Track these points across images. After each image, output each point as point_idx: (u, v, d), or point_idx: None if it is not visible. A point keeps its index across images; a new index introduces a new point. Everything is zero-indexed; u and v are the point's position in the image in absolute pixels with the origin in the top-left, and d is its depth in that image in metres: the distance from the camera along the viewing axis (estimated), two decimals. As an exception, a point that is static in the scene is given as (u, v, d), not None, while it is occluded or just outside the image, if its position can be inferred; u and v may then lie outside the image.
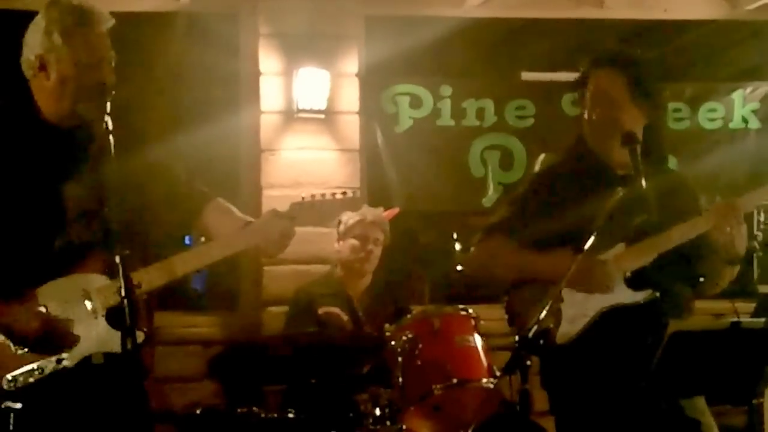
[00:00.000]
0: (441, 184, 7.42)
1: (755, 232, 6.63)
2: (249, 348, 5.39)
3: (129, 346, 3.37)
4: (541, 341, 3.76)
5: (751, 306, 6.93)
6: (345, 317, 6.08)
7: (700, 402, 4.17)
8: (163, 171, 4.05)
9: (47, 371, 3.71)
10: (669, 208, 4.19)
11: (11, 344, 3.70)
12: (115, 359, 3.65)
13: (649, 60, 4.40)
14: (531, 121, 7.50)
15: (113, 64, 3.83)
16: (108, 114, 3.64)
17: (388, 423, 5.13)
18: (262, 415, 5.09)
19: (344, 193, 4.03)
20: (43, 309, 3.72)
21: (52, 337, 3.72)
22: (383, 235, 6.30)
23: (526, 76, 7.67)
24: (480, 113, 7.45)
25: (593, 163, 4.30)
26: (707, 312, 5.06)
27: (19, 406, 3.66)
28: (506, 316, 4.44)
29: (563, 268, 3.85)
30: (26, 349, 3.70)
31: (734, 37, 7.89)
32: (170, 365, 6.79)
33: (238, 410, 5.09)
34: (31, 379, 3.69)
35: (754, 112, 7.69)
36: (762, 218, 6.80)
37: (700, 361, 3.74)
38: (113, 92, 3.75)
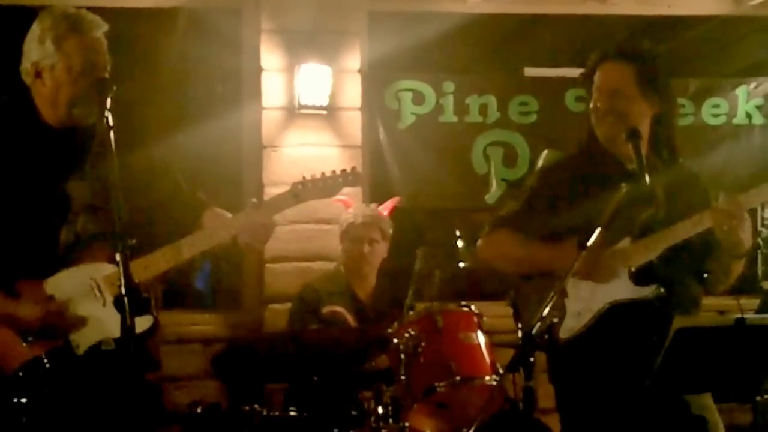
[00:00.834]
0: (444, 180, 7.39)
1: (759, 228, 6.61)
2: (251, 346, 5.36)
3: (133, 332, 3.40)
4: (546, 336, 3.75)
5: (756, 302, 6.91)
6: (349, 317, 6.07)
7: (707, 399, 4.16)
8: (164, 176, 4.09)
9: (57, 359, 3.76)
10: (677, 203, 4.18)
11: (20, 335, 3.76)
12: (122, 346, 3.64)
13: (658, 53, 4.38)
14: (534, 117, 7.47)
15: (108, 69, 3.86)
16: (109, 110, 3.64)
17: (391, 421, 5.11)
18: (265, 414, 5.07)
19: (344, 170, 4.13)
20: (52, 298, 3.79)
21: (57, 321, 3.78)
22: (380, 233, 6.27)
23: (530, 72, 7.64)
24: (483, 109, 7.42)
25: (602, 157, 4.29)
26: (712, 308, 5.04)
27: (28, 398, 3.71)
28: (511, 312, 4.43)
29: (569, 260, 3.85)
30: (34, 339, 3.74)
31: (738, 33, 7.88)
32: (172, 364, 6.76)
33: (241, 409, 5.07)
34: (41, 369, 3.73)
35: (758, 107, 7.66)
36: (766, 214, 6.78)
37: (704, 357, 3.72)
38: (114, 87, 3.75)
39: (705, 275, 4.26)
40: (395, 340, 5.26)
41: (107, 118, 3.62)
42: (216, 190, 6.72)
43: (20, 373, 3.71)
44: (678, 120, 4.45)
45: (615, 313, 4.13)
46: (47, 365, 3.74)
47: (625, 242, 4.15)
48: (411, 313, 5.52)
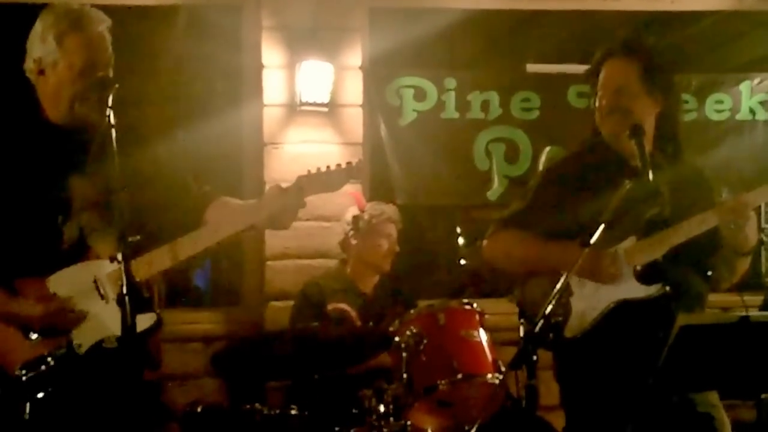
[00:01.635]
0: (445, 177, 7.36)
1: (763, 225, 6.57)
2: (252, 344, 5.34)
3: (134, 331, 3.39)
4: (551, 335, 3.72)
5: (759, 299, 6.89)
6: (354, 314, 6.05)
7: (713, 396, 4.15)
8: (169, 171, 4.06)
9: (60, 357, 3.74)
10: (682, 201, 4.16)
11: (23, 333, 3.75)
12: (124, 345, 3.62)
13: (663, 48, 4.35)
14: (536, 113, 7.43)
15: (111, 64, 3.84)
16: (110, 108, 3.64)
17: (392, 419, 5.09)
18: (265, 412, 5.05)
19: (348, 163, 4.10)
20: (54, 295, 3.78)
21: (59, 319, 3.77)
22: (395, 227, 6.30)
23: (532, 68, 7.59)
24: (485, 106, 7.39)
25: (607, 154, 4.27)
26: (716, 305, 5.01)
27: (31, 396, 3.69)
28: (515, 310, 4.41)
29: (573, 258, 3.82)
30: (38, 336, 3.75)
31: (741, 28, 7.84)
32: (172, 362, 6.74)
33: (241, 407, 5.05)
34: (43, 367, 3.72)
35: (761, 103, 7.63)
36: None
37: (708, 355, 3.69)
38: (115, 85, 3.75)
39: (709, 273, 4.23)
40: (397, 338, 5.24)
41: (109, 116, 3.62)
42: (217, 188, 6.72)
43: (23, 371, 3.69)
44: (682, 116, 4.41)
45: (620, 312, 4.11)
46: (51, 363, 3.72)
47: (630, 240, 4.13)
48: (413, 310, 5.50)
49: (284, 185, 3.99)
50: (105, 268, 3.82)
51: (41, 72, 3.90)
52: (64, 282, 3.82)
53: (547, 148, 7.32)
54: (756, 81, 7.61)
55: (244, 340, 5.78)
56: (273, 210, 3.95)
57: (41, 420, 3.71)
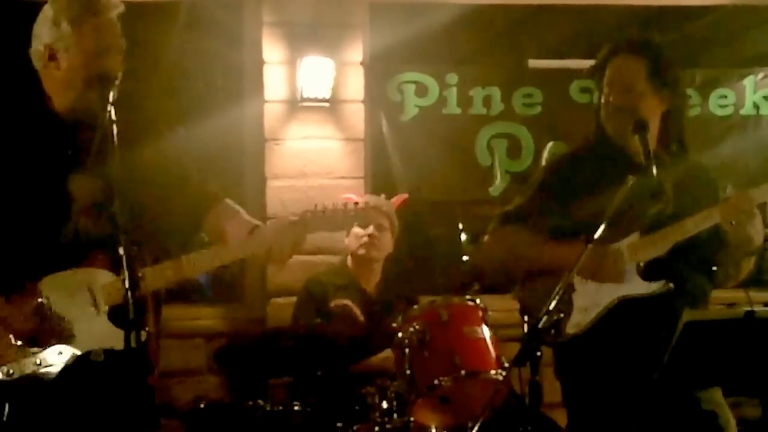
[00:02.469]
0: (447, 173, 7.34)
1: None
2: (254, 341, 5.34)
3: (133, 344, 3.32)
4: (552, 331, 3.71)
5: (765, 295, 6.85)
6: (357, 310, 6.03)
7: (717, 394, 4.12)
8: (170, 167, 4.02)
9: (44, 366, 3.67)
10: (686, 198, 4.14)
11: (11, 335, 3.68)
12: (117, 357, 3.60)
13: (669, 46, 4.33)
14: (539, 109, 7.41)
15: (123, 51, 3.82)
16: (112, 104, 3.60)
17: (395, 415, 5.09)
18: (268, 409, 5.04)
19: (356, 203, 4.01)
20: (44, 300, 3.69)
21: (46, 332, 3.69)
22: (388, 221, 6.24)
23: (534, 63, 7.55)
24: (487, 101, 7.37)
25: (611, 150, 4.25)
26: (720, 301, 4.98)
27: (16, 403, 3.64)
28: (518, 307, 4.39)
29: (578, 257, 3.80)
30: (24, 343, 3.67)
31: (745, 23, 7.79)
32: (173, 358, 6.72)
33: (244, 404, 5.04)
34: (28, 371, 3.65)
35: (765, 98, 7.59)
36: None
37: (713, 351, 3.67)
38: (117, 81, 3.73)
39: (714, 270, 4.21)
40: (400, 334, 5.23)
41: (110, 112, 3.58)
42: (219, 184, 6.69)
43: (10, 371, 3.65)
44: (688, 114, 4.40)
45: (623, 309, 4.09)
46: (36, 369, 3.67)
47: (633, 237, 4.11)
48: (415, 307, 5.48)
49: (291, 218, 3.93)
50: (99, 278, 3.75)
51: (52, 57, 3.82)
52: (57, 287, 3.73)
53: (550, 144, 7.32)
54: (760, 76, 7.58)
55: (247, 337, 5.77)
56: (274, 243, 3.91)
57: (19, 426, 3.66)
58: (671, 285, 4.07)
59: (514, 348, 3.74)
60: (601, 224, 3.79)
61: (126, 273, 3.33)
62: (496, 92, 7.37)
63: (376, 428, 5.09)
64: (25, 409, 3.66)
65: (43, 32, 3.83)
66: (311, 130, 7.08)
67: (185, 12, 7.22)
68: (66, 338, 3.71)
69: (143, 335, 3.49)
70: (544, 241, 4.24)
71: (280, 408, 5.11)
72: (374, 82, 7.21)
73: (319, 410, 5.11)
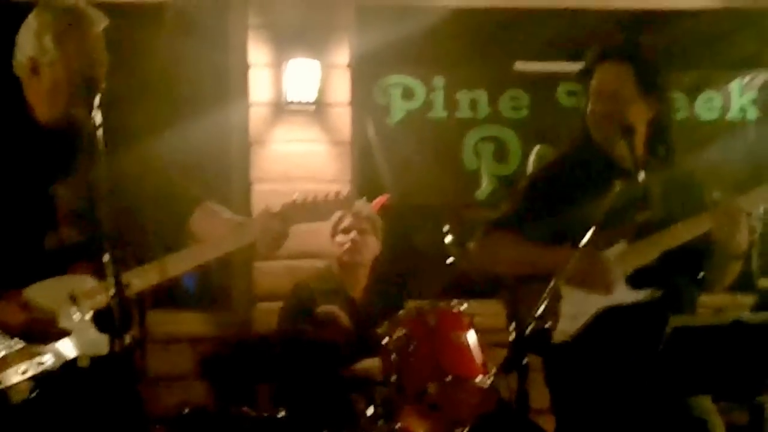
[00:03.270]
0: (434, 176, 7.35)
1: (753, 224, 6.54)
2: (240, 347, 5.32)
3: (117, 348, 3.35)
4: (540, 340, 3.69)
5: (751, 299, 6.86)
6: (343, 316, 6.00)
7: (707, 401, 4.10)
8: (155, 171, 4.01)
9: (30, 373, 3.64)
10: (674, 204, 4.12)
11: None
12: (102, 363, 3.62)
13: (655, 49, 4.31)
14: (525, 112, 7.43)
15: (106, 65, 3.80)
16: (97, 108, 3.57)
17: (382, 422, 5.06)
18: (253, 415, 5.01)
19: (337, 193, 3.98)
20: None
21: (41, 330, 3.67)
22: (370, 224, 6.21)
23: (520, 66, 7.56)
24: (473, 104, 7.38)
25: (598, 156, 4.23)
26: (708, 306, 4.97)
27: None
28: (505, 312, 4.38)
29: (564, 261, 3.80)
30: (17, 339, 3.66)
31: (732, 26, 7.80)
32: (159, 364, 6.68)
33: (229, 410, 5.01)
34: (15, 380, 3.62)
35: (752, 101, 7.63)
36: (761, 210, 6.70)
37: (701, 357, 3.65)
38: (102, 86, 3.70)
39: (701, 276, 4.20)
40: (386, 340, 5.21)
41: (94, 118, 3.55)
42: (204, 187, 6.66)
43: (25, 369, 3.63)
44: (675, 120, 4.39)
45: (610, 316, 4.07)
46: (22, 377, 3.65)
47: (621, 244, 4.08)
48: (401, 312, 5.46)
49: (273, 210, 3.91)
50: (83, 284, 3.73)
51: (35, 71, 3.79)
52: (40, 295, 3.71)
53: (537, 147, 7.30)
54: (747, 79, 7.61)
55: (233, 344, 5.75)
56: (258, 235, 3.88)
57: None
58: (658, 292, 4.05)
59: (501, 354, 3.72)
60: (587, 230, 3.77)
61: (112, 281, 3.33)
62: (482, 95, 7.38)
63: (363, 435, 5.08)
64: (10, 418, 3.63)
65: (26, 44, 3.81)
66: (297, 133, 7.06)
67: (170, 15, 7.19)
68: (57, 336, 3.69)
69: (127, 339, 3.48)
70: (530, 248, 4.22)
71: (266, 415, 5.09)
72: (360, 85, 7.20)
73: (306, 417, 5.09)
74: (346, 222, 6.13)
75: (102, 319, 3.60)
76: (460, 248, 8.00)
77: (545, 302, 3.66)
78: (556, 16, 7.63)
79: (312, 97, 6.96)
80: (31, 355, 3.66)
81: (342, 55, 7.11)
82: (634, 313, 4.06)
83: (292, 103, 6.97)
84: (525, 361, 3.63)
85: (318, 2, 7.07)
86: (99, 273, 3.58)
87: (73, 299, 3.72)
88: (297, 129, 7.05)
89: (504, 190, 7.18)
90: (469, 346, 5.25)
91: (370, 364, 5.67)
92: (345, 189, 6.70)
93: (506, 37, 7.75)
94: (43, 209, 3.78)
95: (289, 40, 6.97)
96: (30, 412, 3.65)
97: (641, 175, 3.96)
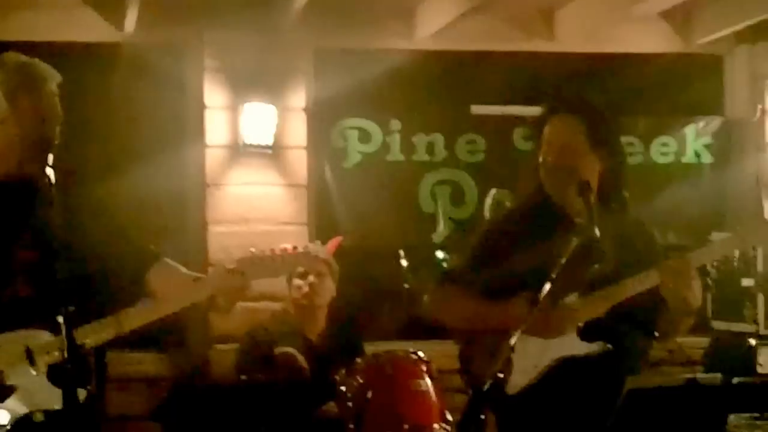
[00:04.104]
0: (390, 219, 7.36)
1: (708, 268, 6.59)
2: (195, 395, 5.26)
3: (72, 403, 3.28)
4: (493, 393, 3.69)
5: (705, 341, 6.91)
6: (301, 358, 5.97)
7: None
8: (111, 221, 3.96)
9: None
10: (626, 257, 4.12)
11: None
12: (57, 417, 3.53)
13: (607, 106, 4.34)
14: (482, 156, 7.45)
15: (60, 122, 3.75)
16: (51, 167, 3.53)
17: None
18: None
19: (295, 248, 3.93)
20: None
21: None
22: (327, 267, 6.18)
23: (477, 109, 7.58)
24: (430, 148, 7.40)
25: (550, 210, 4.22)
26: (661, 347, 5.01)
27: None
28: (459, 365, 4.37)
29: (517, 317, 3.78)
30: None
31: (687, 71, 7.88)
32: (114, 404, 6.64)
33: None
34: None
35: (706, 146, 7.70)
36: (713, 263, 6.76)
37: (656, 418, 3.65)
38: (56, 143, 3.66)
39: (654, 331, 4.21)
40: (343, 388, 5.19)
41: (49, 176, 3.52)
42: (160, 229, 6.64)
43: None
44: (627, 172, 4.40)
45: (562, 369, 4.06)
46: None
47: (572, 297, 4.09)
48: (359, 360, 5.46)
49: (228, 266, 3.89)
50: (38, 338, 3.68)
51: None
52: None
53: (493, 191, 7.34)
54: (701, 124, 7.68)
55: (186, 391, 5.70)
56: (215, 291, 3.87)
57: None
58: (609, 345, 4.06)
59: (458, 398, 3.73)
60: (542, 285, 3.77)
61: (65, 338, 3.27)
62: (439, 139, 7.40)
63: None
64: None
65: None
66: (254, 175, 7.06)
67: (126, 56, 7.17)
68: (3, 396, 3.62)
69: (83, 393, 3.46)
70: (480, 301, 4.22)
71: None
72: (317, 128, 7.21)
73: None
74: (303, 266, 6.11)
75: (55, 374, 3.55)
76: (414, 273, 8.04)
77: (503, 358, 3.65)
78: (512, 59, 7.68)
79: (269, 140, 6.96)
80: None
81: (299, 99, 7.13)
82: (585, 366, 4.06)
83: (249, 145, 6.96)
84: (482, 416, 3.62)
85: (275, 45, 7.07)
86: (54, 327, 3.52)
87: (29, 354, 3.68)
88: (254, 171, 7.05)
89: (460, 233, 7.19)
90: (426, 394, 5.25)
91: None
92: (302, 232, 6.84)
93: (463, 80, 7.79)
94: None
95: (245, 82, 6.97)
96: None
97: (596, 232, 3.96)
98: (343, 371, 5.32)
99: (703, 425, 3.67)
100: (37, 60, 3.80)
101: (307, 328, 6.18)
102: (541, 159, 4.24)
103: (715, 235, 6.64)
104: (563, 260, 3.80)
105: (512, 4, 7.27)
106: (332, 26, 7.31)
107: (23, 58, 3.80)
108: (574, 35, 7.46)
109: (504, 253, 4.21)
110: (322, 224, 7.23)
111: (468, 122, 7.52)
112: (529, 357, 4.09)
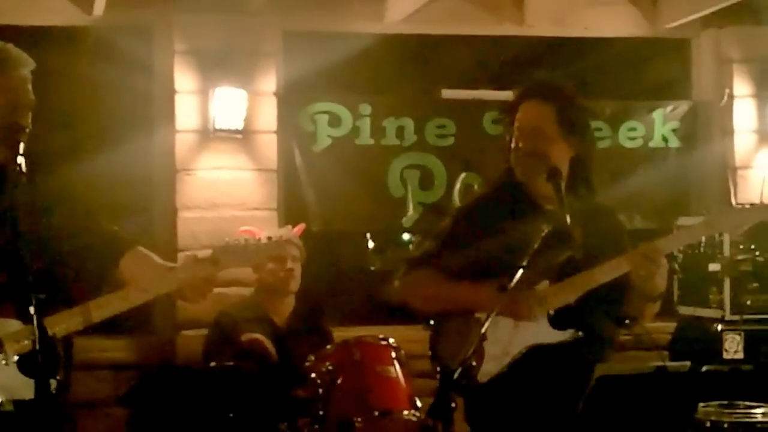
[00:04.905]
0: (360, 204, 7.32)
1: (675, 253, 6.62)
2: (162, 381, 5.26)
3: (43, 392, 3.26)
4: (464, 380, 3.70)
5: (672, 326, 6.95)
6: (269, 344, 5.97)
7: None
8: (80, 206, 3.94)
9: None
10: (595, 245, 4.14)
11: None
12: (27, 407, 3.52)
13: (578, 92, 4.35)
14: (451, 140, 7.42)
15: (32, 108, 3.73)
16: (22, 155, 3.52)
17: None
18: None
19: (269, 238, 3.94)
20: None
21: None
22: (299, 252, 6.20)
23: (447, 93, 7.57)
24: (400, 132, 7.37)
25: (520, 196, 4.24)
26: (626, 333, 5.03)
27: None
28: (428, 351, 4.37)
29: (487, 299, 3.80)
30: None
31: (654, 55, 7.91)
32: (79, 391, 6.58)
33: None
34: None
35: (674, 131, 7.71)
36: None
37: (626, 405, 3.67)
38: (27, 131, 3.64)
39: (623, 318, 4.24)
40: (312, 374, 5.20)
41: (20, 164, 3.50)
42: (129, 214, 6.60)
43: None
44: (595, 157, 4.42)
45: (533, 357, 4.09)
46: None
47: (543, 285, 4.10)
48: (328, 347, 5.46)
49: (200, 255, 3.88)
50: (6, 327, 3.66)
51: None
52: None
53: (462, 175, 7.34)
54: (669, 108, 7.70)
55: (154, 376, 5.69)
56: (185, 281, 3.84)
57: None
58: (580, 333, 4.08)
59: (426, 383, 3.73)
60: (515, 272, 3.78)
61: (35, 326, 3.25)
62: (409, 123, 7.37)
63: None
64: None
65: None
66: (223, 160, 7.01)
67: (93, 38, 7.12)
68: None
69: (53, 383, 3.44)
70: (451, 285, 4.23)
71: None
72: (287, 112, 7.17)
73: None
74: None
75: (25, 363, 3.55)
76: (381, 255, 8.05)
77: (475, 344, 3.67)
78: (482, 43, 7.68)
79: (239, 124, 6.92)
80: None
81: (269, 83, 7.08)
82: (556, 354, 4.08)
83: (219, 130, 6.92)
84: (453, 404, 3.63)
85: (244, 28, 7.03)
86: (24, 315, 3.51)
87: None
88: (223, 156, 7.00)
89: (430, 217, 7.18)
90: (395, 379, 5.28)
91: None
92: (272, 218, 6.82)
93: (433, 64, 7.80)
94: None
95: (215, 66, 6.92)
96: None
97: (567, 219, 3.97)
98: (313, 357, 5.33)
99: (673, 413, 3.71)
100: (10, 45, 3.78)
101: (275, 313, 6.19)
102: (512, 144, 4.25)
103: (683, 220, 6.68)
104: (534, 247, 3.83)
105: (482, -13, 7.29)
106: (301, 8, 7.30)
107: None
108: (544, 19, 7.47)
109: (475, 237, 4.22)
110: (291, 209, 7.19)
111: (438, 106, 7.50)
112: (502, 344, 4.11)
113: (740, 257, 6.65)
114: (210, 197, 6.97)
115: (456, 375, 3.63)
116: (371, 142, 7.33)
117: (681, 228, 4.15)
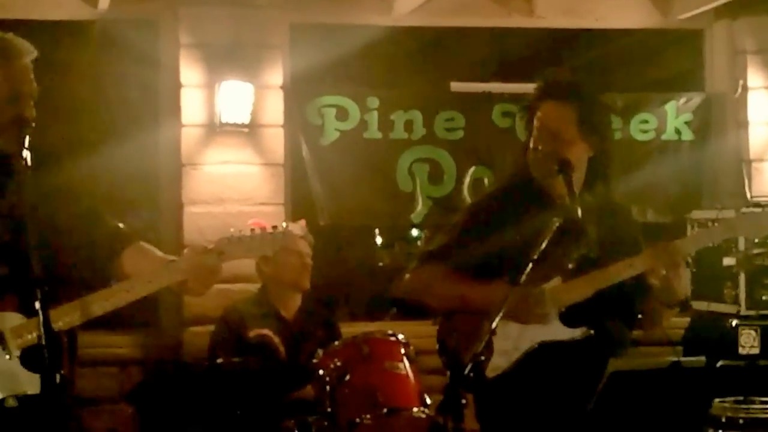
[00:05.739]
0: (368, 198, 7.26)
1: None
2: (169, 378, 5.22)
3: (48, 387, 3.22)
4: (472, 374, 3.64)
5: (686, 321, 6.88)
6: (277, 339, 5.92)
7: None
8: (84, 199, 3.89)
9: None
10: (610, 241, 4.08)
11: None
12: (31, 402, 3.51)
13: (598, 91, 4.29)
14: (461, 133, 7.35)
15: (35, 97, 3.69)
16: (27, 149, 3.48)
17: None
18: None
19: (274, 227, 3.89)
20: None
21: None
22: (308, 246, 6.16)
23: (456, 86, 7.50)
24: (408, 125, 7.30)
25: (535, 192, 4.18)
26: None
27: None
28: (437, 346, 4.32)
29: (499, 298, 3.72)
30: None
31: (667, 46, 7.85)
32: (85, 387, 6.56)
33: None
34: None
35: (687, 123, 7.63)
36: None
37: (640, 401, 3.61)
38: (32, 123, 3.61)
39: (638, 316, 4.18)
40: (320, 371, 5.14)
41: (25, 158, 3.46)
42: (134, 209, 6.59)
43: None
44: (614, 157, 4.36)
45: (543, 353, 4.04)
46: None
47: (555, 281, 4.05)
48: (336, 342, 5.40)
49: (206, 247, 3.82)
50: (9, 321, 3.62)
51: None
52: None
53: (472, 169, 7.28)
54: (682, 101, 7.62)
55: (161, 373, 5.66)
56: (189, 272, 3.79)
57: None
58: (592, 331, 4.02)
59: (436, 380, 3.68)
60: (525, 266, 3.72)
61: (41, 319, 3.20)
62: (417, 116, 7.30)
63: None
64: None
65: None
66: (230, 154, 6.96)
67: (99, 32, 7.09)
68: None
69: (58, 377, 3.33)
70: (463, 282, 4.18)
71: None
72: (294, 106, 7.12)
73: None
74: (297, 243, 6.05)
75: (29, 358, 3.51)
76: (389, 250, 8.02)
77: (485, 340, 3.60)
78: (491, 35, 7.63)
79: (245, 118, 6.87)
80: None
81: (275, 76, 7.03)
82: (567, 351, 4.03)
83: (225, 124, 6.86)
84: (463, 401, 3.58)
85: (251, 20, 6.98)
86: (26, 309, 3.49)
87: (1, 337, 3.60)
88: (230, 150, 6.95)
89: (439, 211, 7.12)
90: (403, 376, 5.22)
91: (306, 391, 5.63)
92: (279, 212, 6.76)
93: (442, 56, 7.75)
94: None
95: (221, 59, 6.88)
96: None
97: (579, 213, 3.91)
98: (321, 353, 5.27)
99: (687, 408, 3.66)
100: (11, 34, 3.76)
101: (284, 309, 6.13)
102: (530, 144, 4.19)
103: (696, 213, 6.61)
104: (545, 241, 3.76)
105: (490, -21, 7.22)
106: (308, 1, 7.24)
107: None
108: (554, 10, 7.40)
109: (488, 233, 4.16)
110: (298, 204, 7.14)
111: (447, 99, 7.42)
112: (511, 340, 4.07)
113: (755, 251, 6.57)
114: (216, 192, 6.92)
115: (466, 370, 3.58)
116: (379, 135, 7.26)
117: (701, 230, 4.06)
